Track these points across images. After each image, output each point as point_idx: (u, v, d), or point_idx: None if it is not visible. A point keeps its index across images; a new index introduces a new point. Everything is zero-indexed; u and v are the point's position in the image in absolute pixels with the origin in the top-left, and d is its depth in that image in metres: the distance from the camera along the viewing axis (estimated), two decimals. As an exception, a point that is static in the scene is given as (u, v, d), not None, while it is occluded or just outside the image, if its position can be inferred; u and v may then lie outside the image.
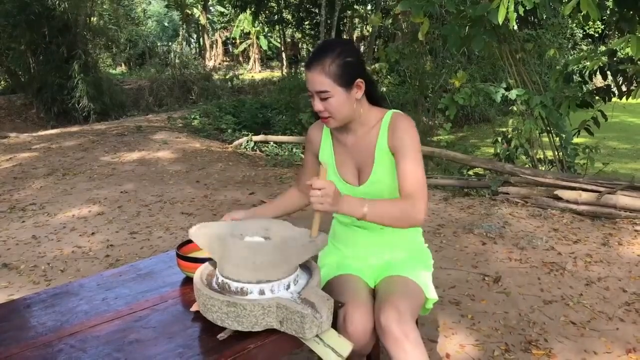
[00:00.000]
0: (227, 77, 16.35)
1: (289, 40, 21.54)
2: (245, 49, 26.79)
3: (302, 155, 1.58)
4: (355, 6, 19.91)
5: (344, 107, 1.47)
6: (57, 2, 11.21)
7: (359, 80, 1.48)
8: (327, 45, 1.50)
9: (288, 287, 1.24)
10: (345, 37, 22.19)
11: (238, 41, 26.73)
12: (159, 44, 26.04)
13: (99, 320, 1.28)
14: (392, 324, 1.32)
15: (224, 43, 28.83)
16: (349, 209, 1.35)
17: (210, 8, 27.52)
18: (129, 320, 1.27)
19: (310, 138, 1.70)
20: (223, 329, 1.18)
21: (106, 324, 1.26)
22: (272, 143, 7.78)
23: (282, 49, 23.88)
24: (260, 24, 23.92)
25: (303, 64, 20.43)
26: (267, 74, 22.01)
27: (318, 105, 1.47)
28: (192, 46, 31.24)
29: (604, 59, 4.32)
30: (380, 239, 1.62)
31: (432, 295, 1.56)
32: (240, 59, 27.75)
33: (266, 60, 28.32)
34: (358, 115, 1.53)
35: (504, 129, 5.65)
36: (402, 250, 1.63)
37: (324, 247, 1.54)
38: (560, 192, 4.01)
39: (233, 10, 23.82)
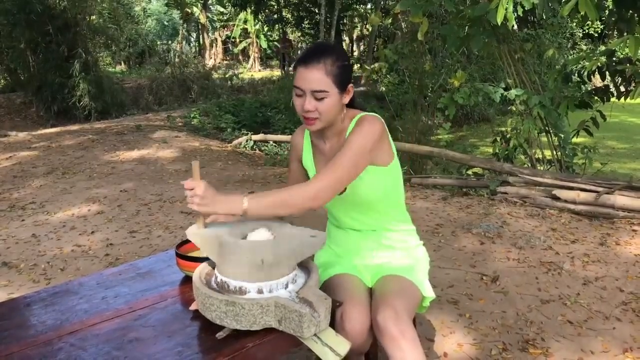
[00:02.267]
0: (227, 76, 16.33)
1: (285, 36, 21.45)
2: (245, 48, 26.77)
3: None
4: (355, 5, 19.92)
5: (334, 110, 1.45)
6: (57, 1, 11.20)
7: (350, 85, 1.49)
8: (325, 46, 1.50)
9: (286, 286, 1.25)
10: (344, 36, 22.20)
11: (238, 40, 26.71)
12: (158, 43, 25.99)
13: (98, 318, 1.29)
14: (389, 323, 1.33)
15: (224, 42, 28.77)
16: (227, 208, 1.29)
17: (210, 7, 27.49)
18: (129, 319, 1.28)
19: (294, 144, 1.69)
20: (222, 327, 1.19)
21: (106, 322, 1.27)
22: (271, 142, 7.79)
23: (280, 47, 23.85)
24: (260, 23, 23.91)
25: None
26: (266, 73, 21.98)
27: (309, 104, 1.42)
28: (191, 45, 31.23)
29: (603, 59, 4.33)
30: (375, 240, 1.63)
31: (429, 293, 1.57)
32: (240, 58, 27.71)
33: (266, 59, 28.30)
34: (339, 120, 1.52)
35: (503, 129, 5.65)
36: (398, 250, 1.64)
37: (322, 246, 1.54)
38: (558, 192, 4.03)
39: (233, 9, 23.82)
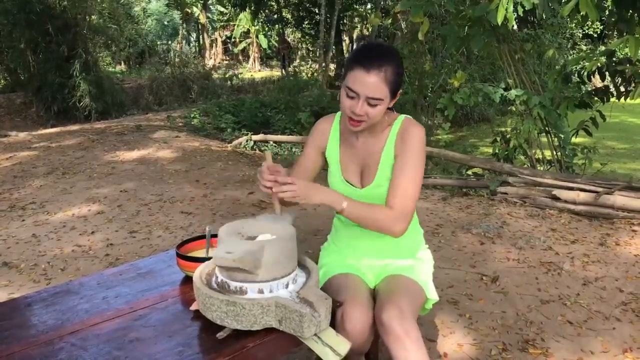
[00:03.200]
0: (227, 76, 16.34)
1: (283, 36, 21.39)
2: (245, 47, 26.73)
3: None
4: (355, 5, 19.92)
5: (382, 115, 1.46)
6: (57, 1, 11.20)
7: (400, 90, 1.49)
8: (386, 49, 1.44)
9: (287, 286, 1.25)
10: (344, 36, 22.18)
11: (238, 40, 26.69)
12: (158, 43, 26.01)
13: (99, 318, 1.29)
14: (393, 322, 1.33)
15: (224, 42, 28.75)
16: (329, 200, 1.38)
17: (210, 7, 27.48)
18: (129, 319, 1.29)
19: (319, 130, 1.65)
20: (222, 327, 1.20)
21: (107, 322, 1.27)
22: (271, 142, 7.79)
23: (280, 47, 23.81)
24: (260, 23, 23.90)
25: (295, 64, 20.20)
26: (266, 73, 21.98)
27: (362, 109, 1.41)
28: (191, 45, 31.21)
29: (603, 59, 4.33)
30: (382, 239, 1.62)
31: (433, 295, 1.57)
32: (240, 57, 27.68)
33: (266, 59, 28.27)
34: (379, 121, 1.52)
35: (503, 129, 5.66)
36: (403, 250, 1.65)
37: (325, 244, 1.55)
38: (558, 192, 4.03)
39: (233, 9, 23.81)
